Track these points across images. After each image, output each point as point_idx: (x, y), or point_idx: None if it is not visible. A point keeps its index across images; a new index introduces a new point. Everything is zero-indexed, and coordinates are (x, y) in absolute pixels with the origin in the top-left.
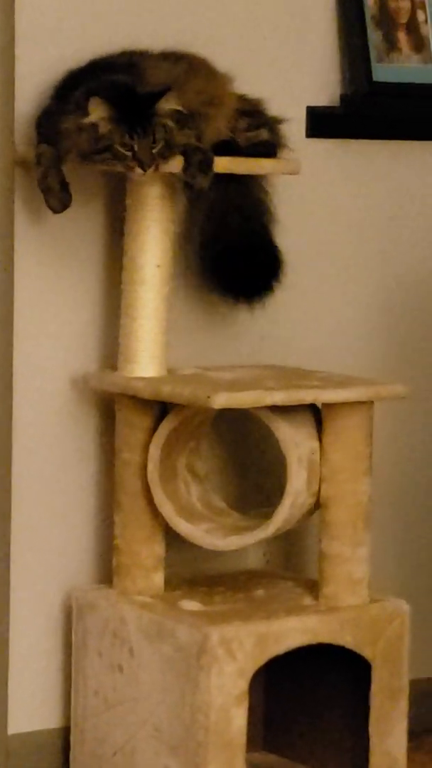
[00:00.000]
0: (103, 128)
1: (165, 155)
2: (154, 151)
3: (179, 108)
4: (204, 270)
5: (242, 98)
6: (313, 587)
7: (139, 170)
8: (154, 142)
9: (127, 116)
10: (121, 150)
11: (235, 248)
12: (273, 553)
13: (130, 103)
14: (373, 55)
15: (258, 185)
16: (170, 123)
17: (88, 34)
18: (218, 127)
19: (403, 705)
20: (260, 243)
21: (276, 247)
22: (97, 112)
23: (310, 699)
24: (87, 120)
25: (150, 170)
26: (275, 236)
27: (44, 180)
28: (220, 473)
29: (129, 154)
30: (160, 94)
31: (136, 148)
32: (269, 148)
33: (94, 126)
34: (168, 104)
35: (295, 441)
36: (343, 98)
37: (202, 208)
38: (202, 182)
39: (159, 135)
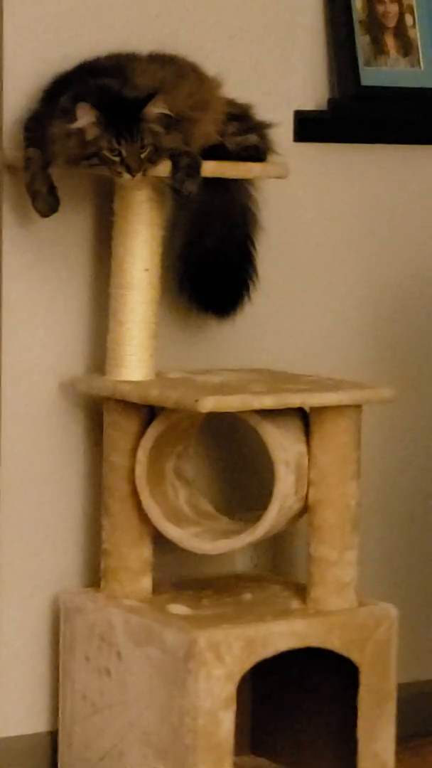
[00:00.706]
0: (91, 134)
1: (153, 160)
2: (142, 156)
3: (166, 112)
4: (177, 275)
5: (231, 102)
6: (301, 591)
7: (127, 175)
8: (142, 147)
9: (114, 121)
10: (109, 155)
11: (209, 258)
12: (261, 556)
13: (118, 108)
14: (360, 59)
15: (244, 191)
16: (157, 127)
17: (77, 38)
18: (207, 131)
19: (391, 709)
20: (236, 256)
21: (251, 261)
22: (84, 117)
23: (298, 702)
24: (75, 125)
25: (138, 175)
26: (256, 245)
27: (32, 184)
28: (208, 477)
29: (117, 159)
30: (147, 99)
31: (124, 153)
32: (258, 153)
33: (81, 131)
34: (156, 108)
35: (282, 445)
36: (331, 102)
37: (188, 212)
38: (190, 186)
39: (147, 140)
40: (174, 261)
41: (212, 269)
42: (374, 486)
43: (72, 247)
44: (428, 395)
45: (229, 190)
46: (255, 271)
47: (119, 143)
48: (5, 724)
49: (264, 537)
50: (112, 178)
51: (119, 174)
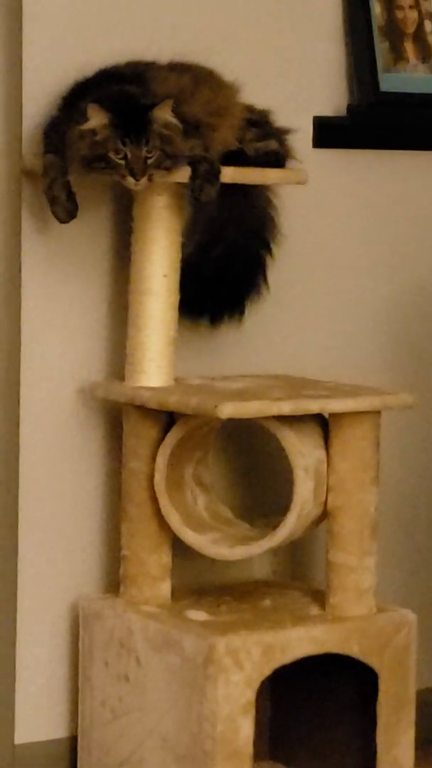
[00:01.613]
0: (100, 135)
1: (162, 165)
2: (149, 161)
3: (172, 118)
4: (187, 280)
5: (250, 108)
6: (320, 597)
7: (130, 179)
8: (149, 151)
9: (122, 124)
10: (114, 158)
11: (213, 265)
12: (280, 562)
13: (127, 112)
14: (379, 65)
15: (264, 197)
16: (168, 132)
17: (96, 45)
18: (226, 137)
19: (410, 714)
20: (244, 263)
21: (262, 269)
22: (95, 118)
23: (317, 708)
24: (86, 126)
25: (143, 179)
26: (273, 251)
27: (51, 190)
28: (227, 483)
29: (122, 162)
30: (155, 103)
31: (129, 156)
32: (278, 158)
33: (92, 132)
34: (163, 113)
35: (301, 451)
36: (350, 108)
37: (205, 217)
38: (210, 192)
39: (154, 144)
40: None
41: (214, 276)
42: (393, 492)
43: (91, 253)
44: None
45: (248, 196)
46: (264, 279)
47: (124, 145)
48: (25, 730)
49: (283, 543)
50: (121, 183)
51: (123, 177)
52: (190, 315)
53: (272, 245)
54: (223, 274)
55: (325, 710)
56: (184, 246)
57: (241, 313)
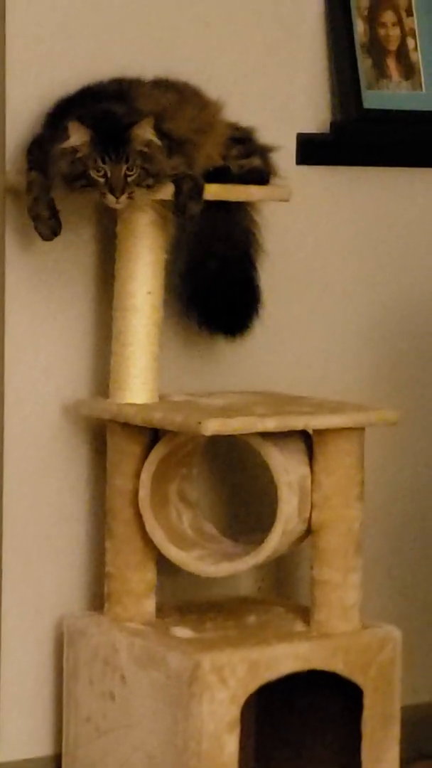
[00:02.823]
0: (81, 153)
1: (143, 183)
2: (129, 179)
3: (152, 137)
4: (183, 298)
5: (233, 126)
6: (305, 613)
7: (111, 197)
8: (130, 169)
9: (102, 141)
10: (95, 176)
11: (214, 280)
12: (264, 579)
13: (108, 129)
14: (362, 82)
15: (246, 214)
16: (147, 150)
17: (79, 62)
18: (210, 154)
19: (395, 731)
20: (241, 277)
21: (256, 283)
22: (76, 136)
23: (302, 725)
24: (67, 144)
25: (123, 197)
26: (259, 268)
27: (34, 207)
28: (212, 500)
29: (102, 180)
30: (136, 121)
31: (108, 174)
32: (261, 176)
33: (73, 150)
34: (143, 131)
35: (286, 467)
36: (333, 125)
37: (190, 235)
38: (193, 209)
39: (135, 162)
40: (178, 284)
41: (218, 291)
42: (377, 508)
43: (74, 270)
44: (431, 417)
45: (231, 212)
46: (260, 291)
47: (104, 162)
48: (9, 748)
49: (267, 560)
50: (101, 201)
51: (104, 195)
52: (207, 331)
53: (257, 262)
54: (228, 288)
55: (310, 727)
56: (173, 263)
57: (251, 322)
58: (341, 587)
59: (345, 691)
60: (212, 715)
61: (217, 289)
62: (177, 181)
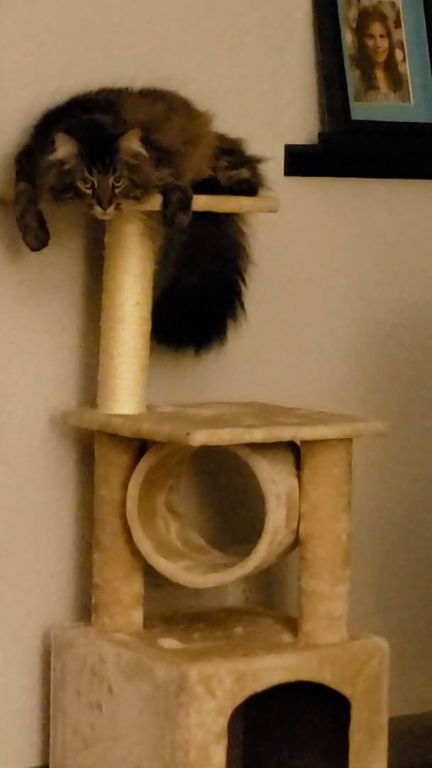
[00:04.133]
0: (68, 164)
1: (130, 195)
2: (116, 190)
3: (139, 148)
4: (156, 311)
5: (222, 137)
6: (293, 624)
7: (98, 208)
8: (117, 180)
9: (90, 153)
10: (82, 187)
11: (190, 293)
12: (252, 590)
13: (95, 140)
14: (351, 93)
15: (235, 225)
16: (134, 161)
17: (67, 73)
18: (198, 165)
19: (382, 743)
20: (220, 291)
21: (239, 296)
22: (63, 147)
23: (289, 736)
24: (54, 156)
25: (110, 209)
26: (246, 280)
27: (22, 218)
28: (199, 510)
29: (89, 191)
30: (123, 132)
31: (96, 185)
32: (250, 187)
33: (61, 162)
34: (130, 142)
35: (273, 478)
36: (321, 137)
37: (178, 246)
38: (182, 220)
39: (121, 173)
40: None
41: (192, 305)
42: (365, 519)
43: (62, 281)
44: (419, 429)
45: (219, 224)
46: (241, 305)
47: (91, 174)
48: None
49: (255, 570)
50: (89, 213)
51: (91, 207)
52: (171, 343)
53: (245, 273)
54: (201, 302)
55: (297, 738)
56: (158, 274)
57: (222, 339)
58: (329, 598)
59: (332, 703)
60: (199, 726)
61: (188, 304)
62: (165, 192)
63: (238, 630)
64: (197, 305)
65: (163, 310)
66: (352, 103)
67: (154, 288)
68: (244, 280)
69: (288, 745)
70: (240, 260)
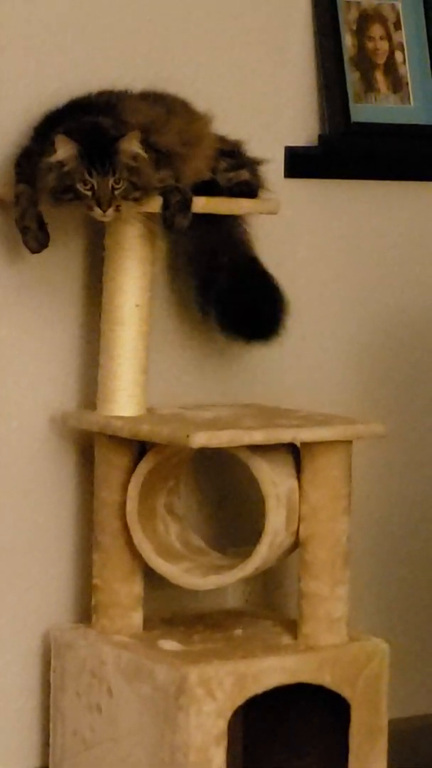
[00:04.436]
0: (68, 166)
1: (130, 196)
2: (116, 192)
3: (139, 150)
4: (207, 313)
5: (222, 139)
6: (292, 626)
7: (98, 210)
8: (117, 182)
9: (89, 155)
10: (82, 189)
11: (236, 288)
12: (252, 592)
13: (95, 143)
14: (350, 95)
15: (237, 225)
16: (134, 163)
17: (67, 75)
18: (198, 167)
19: (382, 744)
20: (259, 279)
21: (274, 279)
22: (63, 149)
23: (289, 738)
24: (53, 158)
25: (110, 210)
26: (268, 271)
27: (22, 220)
28: (199, 512)
29: (89, 193)
30: (123, 134)
31: (95, 187)
32: (250, 189)
33: (60, 164)
34: (130, 144)
35: (273, 480)
36: (321, 138)
37: (184, 248)
38: (182, 222)
39: (121, 175)
40: (198, 303)
41: (242, 297)
42: (365, 521)
43: (62, 283)
44: (419, 431)
45: (223, 224)
46: (281, 288)
47: (91, 176)
48: None
49: (255, 572)
50: (89, 215)
51: (91, 208)
52: (242, 341)
53: (264, 265)
54: (248, 295)
55: (297, 739)
56: (172, 281)
57: (283, 323)
58: (329, 600)
59: (332, 704)
60: (199, 728)
61: (239, 296)
62: (165, 194)
63: (238, 632)
64: (246, 299)
65: (219, 312)
66: (352, 105)
67: (163, 290)
68: (267, 271)
69: (288, 747)
70: (254, 256)
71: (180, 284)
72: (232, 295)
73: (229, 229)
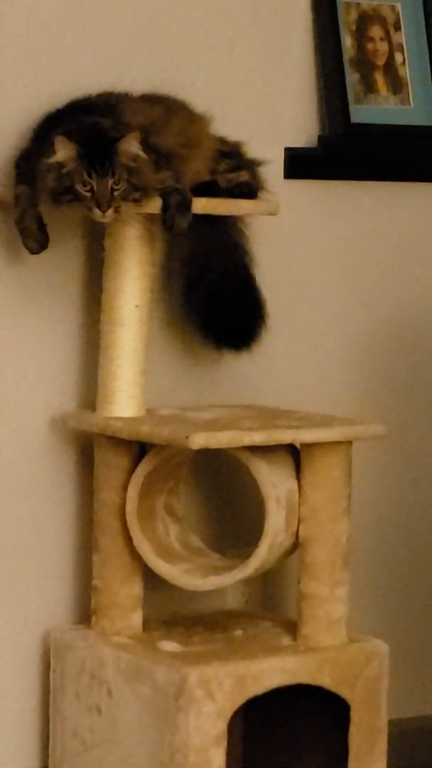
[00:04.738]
0: (67, 167)
1: (129, 197)
2: (115, 193)
3: (139, 151)
4: (189, 315)
5: (221, 140)
6: (292, 627)
7: (97, 211)
8: (116, 183)
9: (88, 156)
10: (81, 190)
11: (218, 294)
12: (252, 593)
13: (94, 144)
14: (350, 96)
15: (235, 227)
16: (134, 164)
17: (67, 76)
18: (198, 168)
19: (381, 745)
20: (244, 288)
21: (259, 292)
22: (62, 151)
23: (289, 739)
24: (53, 159)
25: (109, 211)
26: (256, 278)
27: (22, 221)
28: (199, 513)
29: (88, 194)
30: (122, 135)
31: (95, 188)
32: (249, 190)
33: (60, 165)
34: (129, 145)
35: (273, 481)
36: (321, 140)
37: (182, 249)
38: (181, 223)
39: (120, 176)
40: (176, 298)
41: (221, 304)
42: (365, 522)
43: (62, 284)
44: (419, 431)
45: (222, 226)
46: (263, 301)
47: (90, 177)
48: None
49: (255, 573)
50: (88, 216)
51: (90, 209)
52: (214, 345)
53: (254, 273)
54: (231, 301)
55: (297, 741)
56: (167, 280)
57: (258, 334)
58: (328, 601)
59: (332, 705)
60: (199, 729)
61: (218, 303)
62: (164, 194)
63: (238, 633)
64: (226, 305)
65: (196, 313)
66: (352, 106)
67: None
68: (255, 280)
69: (288, 748)
70: (247, 260)
71: (179, 285)
72: (210, 302)
73: (226, 231)
